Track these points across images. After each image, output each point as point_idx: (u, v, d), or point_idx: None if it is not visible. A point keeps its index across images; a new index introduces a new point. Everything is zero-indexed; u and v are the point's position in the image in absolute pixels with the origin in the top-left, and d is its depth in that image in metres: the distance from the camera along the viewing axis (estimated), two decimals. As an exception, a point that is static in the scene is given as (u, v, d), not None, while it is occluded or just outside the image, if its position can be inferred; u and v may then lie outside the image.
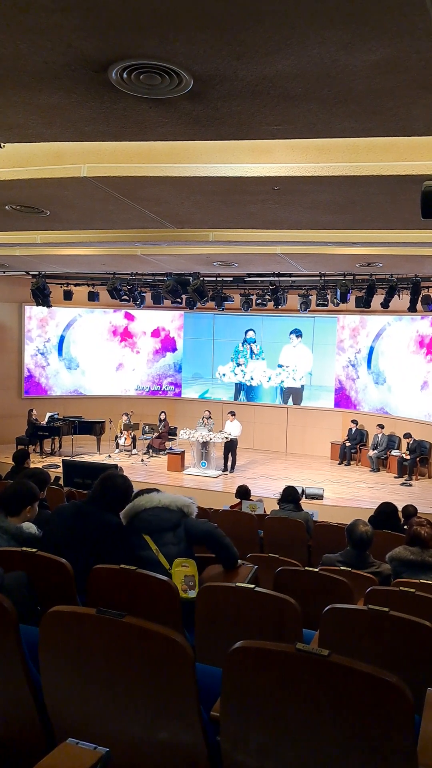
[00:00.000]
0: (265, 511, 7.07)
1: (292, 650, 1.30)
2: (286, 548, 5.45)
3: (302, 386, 15.42)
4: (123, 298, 12.24)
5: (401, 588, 2.90)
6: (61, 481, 9.47)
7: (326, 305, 11.90)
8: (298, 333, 15.49)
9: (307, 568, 3.09)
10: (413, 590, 2.84)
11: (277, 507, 6.13)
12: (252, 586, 2.23)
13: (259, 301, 12.62)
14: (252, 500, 7.31)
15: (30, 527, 2.93)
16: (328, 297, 11.58)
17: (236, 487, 8.44)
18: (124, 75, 2.96)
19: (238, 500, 7.37)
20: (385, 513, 5.92)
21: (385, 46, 2.56)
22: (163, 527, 2.83)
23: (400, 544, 4.10)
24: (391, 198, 4.82)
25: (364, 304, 10.67)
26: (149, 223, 5.91)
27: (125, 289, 11.63)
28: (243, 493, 7.50)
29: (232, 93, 3.08)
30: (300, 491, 11.02)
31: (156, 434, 14.41)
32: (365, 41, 2.53)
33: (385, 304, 10.87)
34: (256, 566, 3.02)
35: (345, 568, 3.69)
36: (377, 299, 11.01)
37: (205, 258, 8.81)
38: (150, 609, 2.39)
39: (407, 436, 13.14)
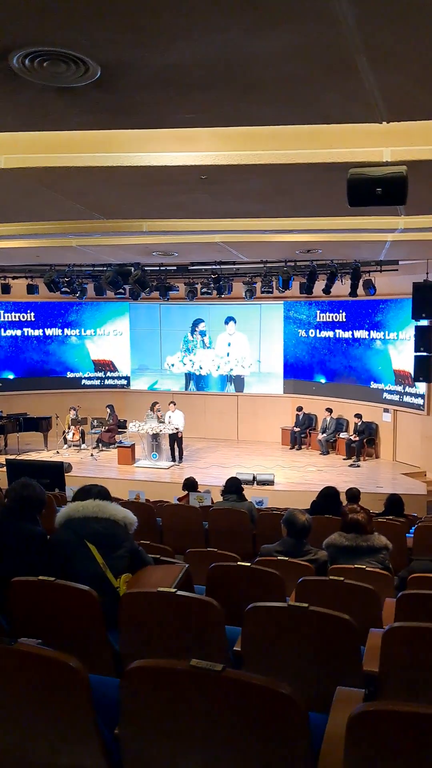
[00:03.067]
0: (212, 502, 7.06)
1: (186, 667, 1.26)
2: (231, 539, 5.46)
3: (243, 375, 15.49)
4: (63, 290, 11.96)
5: (332, 577, 2.92)
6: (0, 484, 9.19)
7: (271, 292, 11.93)
8: (232, 320, 15.51)
9: (239, 563, 3.07)
10: (342, 578, 2.86)
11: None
12: (173, 590, 2.19)
13: (204, 290, 12.56)
14: (199, 492, 7.29)
15: None
16: (273, 284, 11.61)
17: (186, 477, 8.43)
18: (27, 62, 2.83)
19: (186, 492, 7.33)
20: (328, 496, 6.00)
21: (288, 31, 2.52)
22: (111, 542, 2.72)
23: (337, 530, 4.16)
24: (319, 186, 4.81)
25: (306, 290, 10.73)
26: (77, 214, 5.75)
27: (64, 281, 11.34)
28: (190, 485, 7.47)
29: (141, 81, 2.99)
30: (251, 478, 11.15)
31: (105, 428, 14.22)
32: (267, 27, 2.48)
33: (326, 290, 10.97)
34: (187, 565, 2.98)
35: (282, 558, 3.70)
36: (319, 285, 11.11)
37: (143, 248, 8.66)
38: (73, 620, 2.32)
39: (358, 416, 13.36)
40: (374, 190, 3.91)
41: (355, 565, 3.68)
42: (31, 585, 2.31)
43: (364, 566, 3.60)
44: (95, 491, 2.96)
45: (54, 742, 1.40)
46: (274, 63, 2.76)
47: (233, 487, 5.95)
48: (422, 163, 3.98)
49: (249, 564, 3.08)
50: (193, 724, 1.27)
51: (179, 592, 2.19)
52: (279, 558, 3.73)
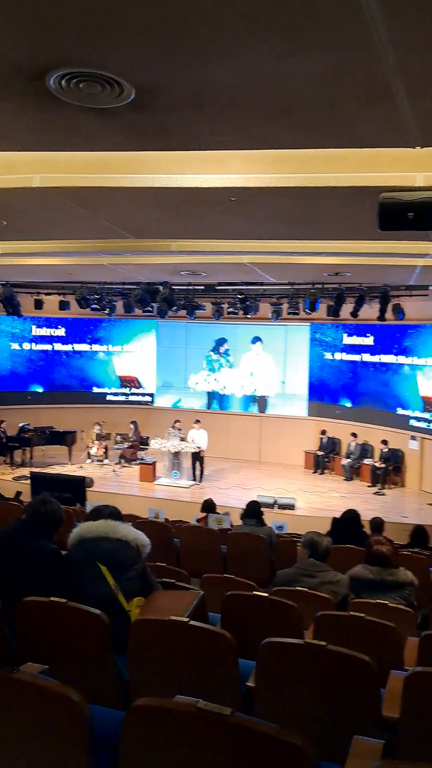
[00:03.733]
0: (231, 524, 6.96)
1: (193, 709, 1.20)
2: (249, 564, 5.36)
3: (267, 396, 15.40)
4: (93, 307, 12.09)
5: (352, 613, 2.82)
6: (22, 497, 9.24)
7: (297, 314, 11.88)
8: (258, 340, 15.47)
9: (255, 593, 2.98)
10: (363, 615, 2.76)
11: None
12: (186, 619, 2.12)
13: (231, 309, 12.56)
14: (218, 513, 7.20)
15: None
16: (300, 305, 11.56)
17: (207, 497, 8.32)
18: (63, 83, 2.87)
19: (205, 514, 7.25)
20: (348, 520, 5.93)
21: (324, 57, 2.50)
22: (123, 563, 2.68)
23: (360, 560, 4.05)
24: (348, 210, 4.77)
25: (333, 313, 10.65)
26: (108, 233, 5.81)
27: (94, 299, 11.47)
28: (208, 506, 7.39)
29: (175, 103, 3.01)
30: (272, 501, 11.00)
31: (128, 444, 14.24)
32: (304, 52, 2.47)
33: (354, 313, 10.88)
34: (202, 592, 2.91)
35: (301, 588, 3.60)
36: (347, 308, 11.02)
37: (172, 267, 8.72)
38: (82, 645, 2.27)
39: (384, 443, 13.13)
40: (406, 214, 3.86)
41: (377, 600, 3.57)
42: (41, 605, 2.27)
43: (386, 602, 3.48)
44: (107, 512, 2.94)
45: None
46: (310, 87, 2.74)
47: (253, 511, 5.86)
48: (455, 190, 3.92)
49: (266, 594, 2.99)
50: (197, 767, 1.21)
51: (192, 622, 2.12)
52: (298, 588, 3.63)
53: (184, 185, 4.26)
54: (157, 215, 5.08)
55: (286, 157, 4.06)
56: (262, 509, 6.13)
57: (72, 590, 2.57)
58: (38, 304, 13.40)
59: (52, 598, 2.26)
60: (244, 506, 10.18)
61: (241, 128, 3.28)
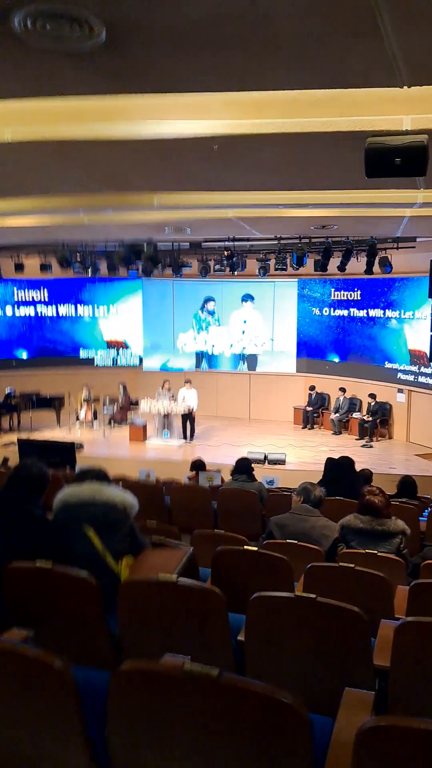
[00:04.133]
0: (222, 481, 6.99)
1: (179, 671, 1.16)
2: (240, 519, 5.39)
3: (256, 354, 15.35)
4: (76, 268, 11.86)
5: (341, 564, 2.82)
6: (10, 463, 9.20)
7: (285, 269, 11.72)
8: (249, 298, 15.30)
9: (246, 547, 2.98)
10: (353, 565, 2.76)
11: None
12: (174, 578, 2.10)
13: (218, 267, 12.36)
14: (209, 471, 7.21)
15: None
16: (287, 261, 11.39)
17: (197, 455, 8.34)
18: (29, 24, 2.68)
19: (195, 472, 7.27)
20: (344, 465, 6.00)
21: (307, -15, 2.34)
22: (110, 525, 2.63)
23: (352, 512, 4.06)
24: (336, 156, 4.61)
25: (320, 268, 10.51)
26: (87, 188, 5.61)
27: (76, 259, 11.22)
28: (198, 465, 7.41)
29: (150, 41, 2.82)
30: (263, 457, 11.06)
31: (118, 406, 14.19)
32: (286, -21, 2.31)
33: (341, 267, 10.74)
34: (191, 549, 2.90)
35: (290, 541, 3.61)
36: (334, 262, 10.87)
37: (155, 224, 8.50)
38: (71, 607, 2.25)
39: (372, 396, 13.19)
40: (393, 160, 3.74)
41: (366, 550, 3.59)
42: (27, 570, 2.23)
43: (375, 551, 3.50)
44: (93, 474, 2.89)
45: (39, 744, 1.33)
46: (291, 20, 2.58)
47: (243, 467, 5.86)
48: (445, 132, 3.78)
49: (256, 548, 2.99)
50: (186, 731, 1.18)
51: (180, 580, 2.10)
52: (288, 541, 3.65)
53: (165, 133, 4.08)
54: (137, 166, 4.90)
55: (270, 102, 3.88)
56: (252, 465, 6.14)
57: (59, 553, 2.54)
58: (19, 267, 13.11)
59: (38, 563, 2.23)
60: (234, 463, 10.24)
61: (221, 67, 3.11)
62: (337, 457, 6.40)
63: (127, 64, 3.10)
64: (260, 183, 5.58)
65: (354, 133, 3.91)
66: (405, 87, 3.41)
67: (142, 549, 2.69)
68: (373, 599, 2.69)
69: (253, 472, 5.92)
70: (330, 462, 6.32)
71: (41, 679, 1.26)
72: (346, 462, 6.15)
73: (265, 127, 4.03)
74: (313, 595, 1.96)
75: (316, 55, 2.96)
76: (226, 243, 10.81)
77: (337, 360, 14.52)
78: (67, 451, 10.63)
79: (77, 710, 1.25)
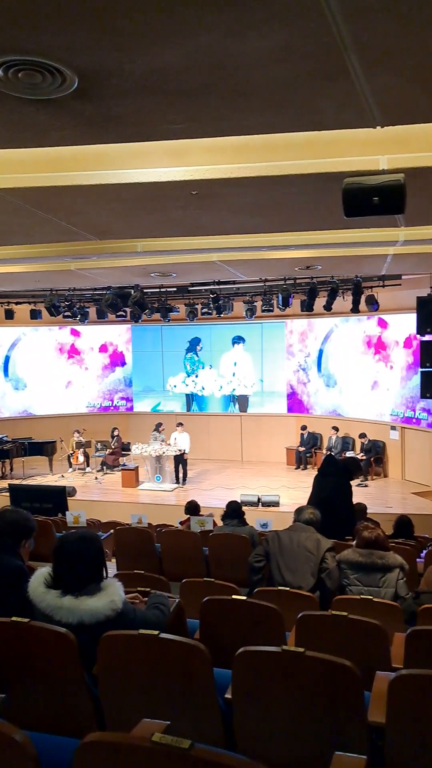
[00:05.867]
0: (215, 525, 6.83)
1: (148, 743, 1.06)
2: (231, 565, 5.23)
3: (247, 395, 15.31)
4: (66, 314, 11.88)
5: (334, 612, 2.70)
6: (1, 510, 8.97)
7: (272, 311, 11.82)
8: (240, 340, 15.36)
9: (234, 596, 2.85)
10: (346, 614, 2.64)
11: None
12: (155, 633, 1.98)
13: (205, 310, 12.46)
14: (201, 515, 7.06)
15: None
16: (273, 302, 11.48)
17: (190, 499, 8.16)
18: (1, 73, 2.71)
19: (188, 516, 7.11)
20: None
21: (276, 31, 2.38)
22: (85, 640, 2.10)
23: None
24: (314, 198, 4.67)
25: (306, 308, 10.59)
26: (70, 235, 5.63)
27: (64, 306, 11.26)
28: (192, 509, 7.26)
29: (123, 90, 2.86)
30: (256, 500, 10.89)
31: (109, 450, 14.04)
32: (254, 27, 2.34)
33: (327, 307, 10.83)
34: (177, 600, 2.77)
35: (282, 588, 3.48)
36: (321, 302, 10.96)
37: (141, 269, 8.55)
38: (48, 665, 2.11)
39: (362, 436, 13.13)
40: (371, 199, 3.78)
41: (361, 596, 3.47)
42: (3, 626, 2.11)
43: (370, 597, 3.38)
44: (80, 566, 2.27)
45: None
46: (261, 66, 2.62)
47: (234, 511, 5.74)
48: (420, 171, 3.84)
49: (245, 598, 2.86)
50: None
51: (162, 635, 1.98)
52: (279, 588, 3.52)
53: (142, 180, 4.12)
54: (118, 213, 4.93)
55: (246, 146, 3.95)
56: (244, 509, 6.01)
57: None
58: (9, 314, 13.17)
59: (14, 618, 2.10)
60: (227, 507, 10.03)
61: (195, 114, 3.15)
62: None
63: (99, 112, 3.13)
64: (241, 226, 5.63)
65: (331, 175, 3.96)
66: (378, 127, 3.46)
67: (144, 626, 2.31)
68: (368, 649, 2.57)
69: (244, 516, 5.79)
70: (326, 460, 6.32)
71: (2, 752, 1.15)
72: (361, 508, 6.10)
73: (243, 171, 4.08)
74: (301, 649, 1.84)
75: (287, 99, 3.00)
76: (212, 287, 10.88)
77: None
78: (58, 496, 10.44)
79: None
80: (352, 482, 5.98)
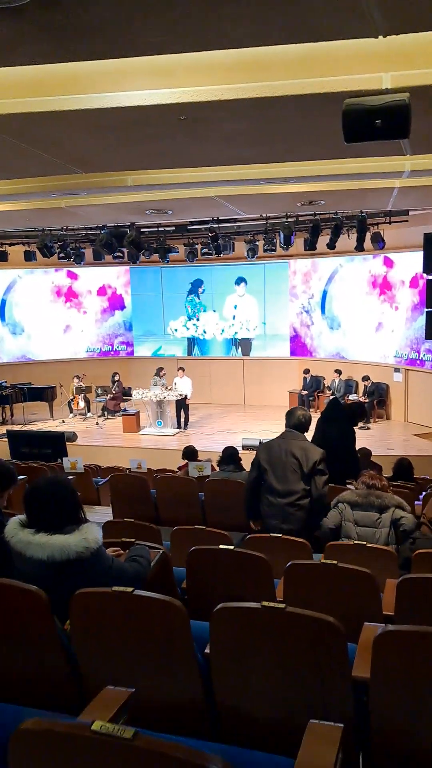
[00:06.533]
0: (213, 470, 6.77)
1: (87, 732, 0.93)
2: (227, 510, 5.17)
3: (250, 338, 15.06)
4: (60, 256, 11.55)
5: (324, 561, 2.59)
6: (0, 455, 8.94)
7: (274, 250, 11.44)
8: (242, 281, 14.99)
9: (222, 546, 2.74)
10: (335, 562, 2.53)
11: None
12: (129, 590, 1.87)
13: (205, 250, 12.07)
14: (200, 461, 6.99)
15: None
16: (276, 242, 11.10)
17: (192, 444, 8.11)
18: None
19: (185, 462, 7.05)
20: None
21: None
22: (56, 581, 2.07)
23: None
24: (313, 122, 4.32)
25: (309, 246, 10.22)
26: (54, 168, 5.31)
27: (57, 247, 10.91)
28: (189, 453, 7.19)
29: (90, -7, 2.54)
30: (257, 443, 10.83)
31: (110, 396, 13.97)
32: None
33: (331, 245, 10.44)
34: (162, 551, 2.67)
35: (274, 534, 3.40)
36: (324, 240, 10.57)
37: (135, 206, 8.18)
38: (21, 627, 2.02)
39: (365, 378, 12.98)
40: (373, 122, 3.48)
41: (354, 542, 3.38)
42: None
43: (364, 543, 3.29)
44: (50, 507, 2.19)
45: None
46: None
47: (230, 457, 5.64)
48: (426, 89, 3.51)
49: (232, 548, 2.76)
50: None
51: (137, 592, 1.87)
52: (271, 535, 3.44)
53: (124, 104, 3.80)
54: (102, 142, 4.61)
55: (236, 64, 3.60)
56: (245, 452, 5.94)
57: (6, 564, 2.31)
58: (2, 256, 12.82)
59: (-17, 575, 2.00)
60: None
61: (174, 25, 2.83)
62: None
63: (69, 22, 2.82)
64: (236, 157, 5.29)
65: (330, 95, 3.63)
66: (381, 37, 3.12)
67: (120, 578, 2.15)
68: (358, 598, 2.48)
69: (241, 462, 5.70)
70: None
71: None
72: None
73: (234, 92, 3.75)
74: (282, 605, 1.73)
75: (278, 1, 2.67)
76: (212, 225, 10.48)
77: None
78: (57, 441, 10.42)
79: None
80: (355, 427, 5.86)
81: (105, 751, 0.92)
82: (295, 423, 4.23)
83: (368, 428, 12.29)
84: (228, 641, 1.81)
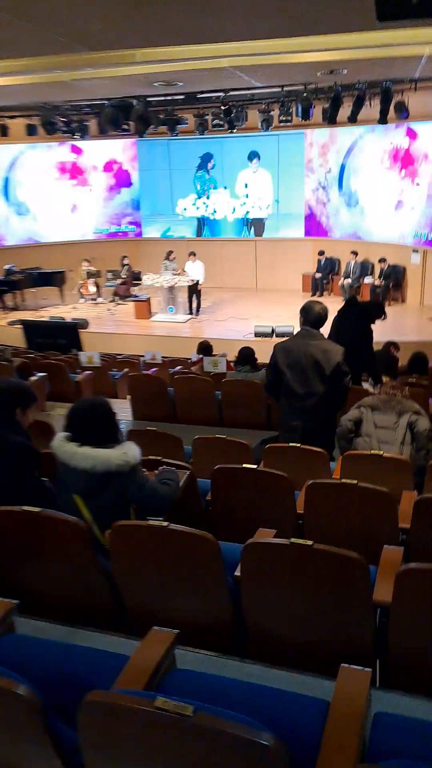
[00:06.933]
0: (228, 365, 6.85)
1: (150, 707, 1.05)
2: (244, 410, 5.32)
3: (262, 218, 14.46)
4: (64, 131, 10.86)
5: (344, 480, 2.71)
6: (15, 344, 9.04)
7: (290, 121, 10.66)
8: (256, 156, 14.14)
9: (245, 465, 2.87)
10: (356, 482, 2.65)
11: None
12: (165, 524, 1.99)
13: (216, 121, 11.26)
14: (215, 355, 7.05)
15: None
16: (292, 111, 10.31)
17: (204, 331, 8.11)
18: None
19: (200, 357, 7.11)
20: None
21: None
22: (96, 491, 2.26)
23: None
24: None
25: (329, 119, 9.51)
26: (60, 47, 4.85)
27: (61, 122, 10.23)
28: (204, 348, 7.23)
29: None
30: (270, 330, 10.83)
31: (120, 281, 13.78)
32: None
33: (352, 117, 9.70)
34: (188, 472, 2.79)
35: (293, 444, 3.52)
36: (344, 112, 9.80)
37: (143, 78, 7.56)
38: (61, 557, 2.18)
39: (382, 260, 12.64)
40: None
41: (372, 451, 3.50)
42: (10, 515, 2.14)
43: (381, 453, 3.41)
44: (91, 426, 2.32)
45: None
46: None
47: (246, 358, 5.68)
48: None
49: (255, 467, 2.89)
50: None
51: (172, 526, 2.00)
52: (290, 445, 3.56)
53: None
54: (107, 18, 4.17)
55: None
56: (258, 339, 5.95)
57: (47, 495, 2.45)
58: (3, 130, 12.06)
59: (24, 508, 2.12)
60: (241, 337, 10.04)
61: None
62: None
63: None
64: (251, 32, 4.79)
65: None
66: None
67: (152, 496, 2.35)
68: (377, 518, 2.62)
69: (257, 362, 5.75)
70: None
71: (7, 709, 1.18)
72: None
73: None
74: (309, 542, 1.85)
75: None
76: (224, 97, 9.71)
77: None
78: (71, 332, 10.51)
79: (48, 741, 1.17)
80: (372, 325, 5.82)
81: (167, 724, 1.05)
82: (314, 319, 3.91)
83: (383, 319, 12.14)
84: (258, 573, 1.96)
